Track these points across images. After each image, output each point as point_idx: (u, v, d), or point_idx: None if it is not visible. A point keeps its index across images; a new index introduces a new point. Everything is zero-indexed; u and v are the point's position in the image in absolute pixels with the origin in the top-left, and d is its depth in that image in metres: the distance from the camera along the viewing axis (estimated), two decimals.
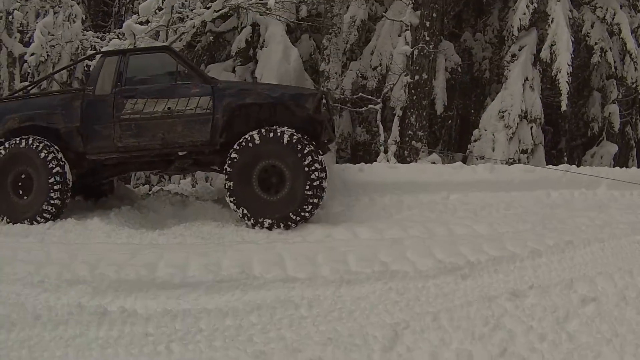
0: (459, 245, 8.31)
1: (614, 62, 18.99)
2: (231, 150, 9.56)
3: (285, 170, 9.43)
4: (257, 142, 9.39)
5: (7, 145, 10.15)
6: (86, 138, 10.08)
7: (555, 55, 17.18)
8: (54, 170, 9.88)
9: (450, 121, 22.60)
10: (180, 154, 10.20)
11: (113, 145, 9.93)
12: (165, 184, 16.54)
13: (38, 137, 10.02)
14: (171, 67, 10.13)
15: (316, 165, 9.38)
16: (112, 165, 10.63)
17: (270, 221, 9.41)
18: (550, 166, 14.20)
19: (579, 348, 5.68)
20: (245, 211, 9.50)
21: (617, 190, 13.07)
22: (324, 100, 10.19)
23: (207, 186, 13.75)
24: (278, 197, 9.48)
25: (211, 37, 18.95)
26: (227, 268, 7.28)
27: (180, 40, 15.59)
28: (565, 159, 21.78)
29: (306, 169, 9.34)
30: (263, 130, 9.45)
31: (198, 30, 16.91)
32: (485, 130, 17.51)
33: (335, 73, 16.84)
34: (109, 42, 17.95)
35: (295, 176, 9.40)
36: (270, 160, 9.44)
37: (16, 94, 13.40)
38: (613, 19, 18.30)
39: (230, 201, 9.56)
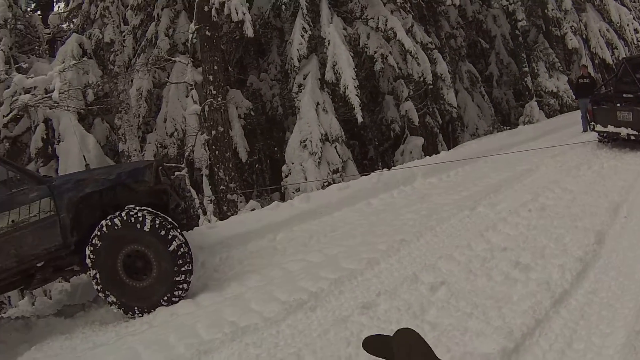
0: (298, 281, 8.14)
1: (397, 64, 19.52)
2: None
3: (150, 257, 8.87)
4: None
5: None
6: None
7: (340, 74, 17.45)
8: None
9: (258, 165, 22.60)
10: (38, 265, 9.21)
11: None
12: (5, 310, 15.50)
13: None
14: (2, 175, 8.96)
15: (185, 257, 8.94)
16: None
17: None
18: (363, 176, 14.29)
19: (445, 332, 5.64)
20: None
21: (434, 177, 13.46)
22: (161, 169, 9.73)
23: (46, 301, 12.91)
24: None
25: (8, 144, 17.99)
26: None
27: None
28: (380, 164, 22.28)
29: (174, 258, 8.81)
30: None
31: None
32: (293, 163, 17.45)
33: (135, 150, 16.41)
34: None
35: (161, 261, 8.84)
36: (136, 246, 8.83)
37: None
38: (386, 25, 18.83)
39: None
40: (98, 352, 7.53)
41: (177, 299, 8.60)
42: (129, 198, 9.12)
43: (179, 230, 8.69)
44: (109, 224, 8.51)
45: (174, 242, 8.50)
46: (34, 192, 8.78)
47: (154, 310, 8.54)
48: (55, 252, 8.88)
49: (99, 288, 8.62)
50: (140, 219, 8.51)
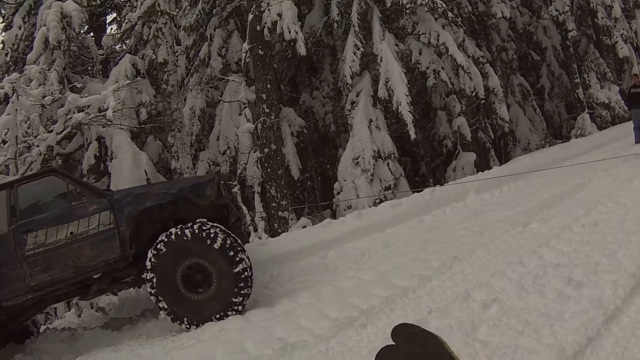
0: (349, 298, 8.11)
1: (449, 79, 19.43)
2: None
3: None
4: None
5: None
6: None
7: (392, 91, 17.45)
8: None
9: (310, 182, 22.67)
10: (95, 276, 9.32)
11: (26, 285, 8.81)
12: (51, 321, 15.70)
13: None
14: (62, 188, 9.23)
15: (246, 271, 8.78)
16: (30, 305, 9.58)
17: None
18: (416, 193, 14.23)
19: (496, 350, 5.61)
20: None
21: (486, 193, 13.35)
22: (222, 184, 9.78)
23: (92, 313, 13.06)
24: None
25: (60, 161, 18.22)
26: None
27: (31, 170, 14.80)
28: (430, 181, 22.18)
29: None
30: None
31: (46, 156, 16.09)
32: (345, 180, 17.50)
33: (187, 167, 16.59)
34: None
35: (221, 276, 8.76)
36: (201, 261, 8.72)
37: None
38: (438, 40, 18.76)
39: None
40: None
41: (227, 317, 8.65)
42: (190, 212, 9.25)
43: (246, 253, 8.77)
44: (179, 233, 8.63)
45: (240, 265, 8.58)
46: (93, 205, 9.01)
47: (203, 324, 8.60)
48: (114, 264, 9.08)
49: (152, 292, 8.71)
50: (212, 235, 8.61)
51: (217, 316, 8.60)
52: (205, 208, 9.36)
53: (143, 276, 8.87)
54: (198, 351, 7.56)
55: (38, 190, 9.44)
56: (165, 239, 8.66)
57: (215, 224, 8.80)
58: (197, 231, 8.62)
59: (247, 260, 8.69)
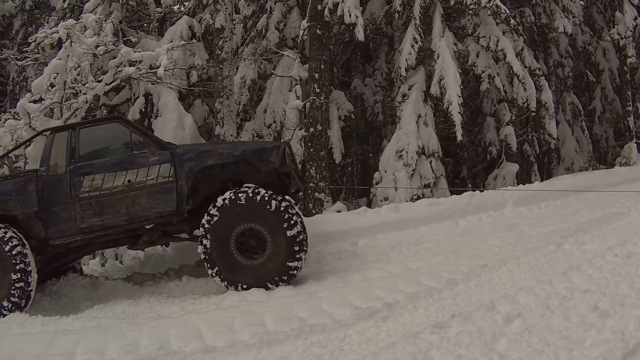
0: (375, 289, 8.17)
1: (503, 86, 19.14)
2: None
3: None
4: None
5: None
6: (46, 222, 9.21)
7: (445, 89, 17.30)
8: (18, 267, 8.83)
9: (350, 168, 22.70)
10: (147, 227, 9.56)
11: (75, 226, 9.15)
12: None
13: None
14: (124, 136, 9.45)
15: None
16: (77, 247, 9.91)
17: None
18: (454, 195, 14.20)
19: None
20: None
21: (524, 207, 13.27)
22: (287, 152, 9.84)
23: (116, 264, 13.25)
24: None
25: (105, 111, 18.33)
26: (145, 347, 6.89)
27: (75, 117, 14.98)
28: (470, 185, 22.06)
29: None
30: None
31: (92, 105, 16.09)
32: (386, 172, 17.43)
33: (231, 135, 16.62)
34: (4, 122, 17.01)
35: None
36: (266, 233, 8.90)
37: None
38: (497, 45, 18.51)
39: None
40: (161, 323, 7.70)
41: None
42: (251, 176, 9.38)
43: (306, 255, 8.97)
44: (265, 199, 8.76)
45: (294, 262, 8.77)
46: (155, 157, 9.25)
47: (228, 285, 8.85)
48: (167, 217, 9.32)
49: (207, 227, 8.88)
50: (292, 222, 8.77)
51: (245, 287, 8.73)
52: (267, 174, 9.50)
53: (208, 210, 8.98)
54: (217, 317, 7.65)
55: (100, 135, 9.70)
56: (250, 194, 8.81)
57: (299, 212, 8.95)
58: (282, 209, 8.75)
59: (303, 261, 8.89)
